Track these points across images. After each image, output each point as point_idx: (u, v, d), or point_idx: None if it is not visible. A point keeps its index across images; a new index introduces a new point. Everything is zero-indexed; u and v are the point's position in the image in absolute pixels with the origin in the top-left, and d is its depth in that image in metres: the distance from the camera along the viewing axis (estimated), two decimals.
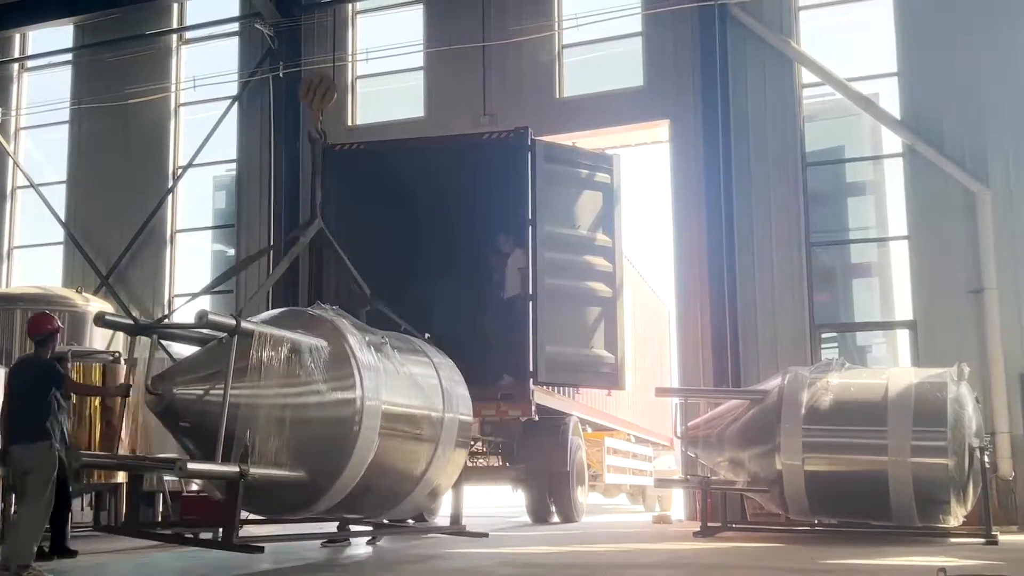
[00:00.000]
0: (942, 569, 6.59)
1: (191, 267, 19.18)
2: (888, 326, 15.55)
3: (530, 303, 12.65)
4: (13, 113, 20.24)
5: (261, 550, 7.74)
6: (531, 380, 12.47)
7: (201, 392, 7.55)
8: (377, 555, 9.89)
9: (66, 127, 19.79)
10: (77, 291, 15.69)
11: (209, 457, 7.38)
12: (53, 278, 18.84)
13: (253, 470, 7.37)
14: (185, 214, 19.07)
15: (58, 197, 19.54)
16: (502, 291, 13.58)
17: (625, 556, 9.50)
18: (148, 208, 18.48)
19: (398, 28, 17.96)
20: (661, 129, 16.38)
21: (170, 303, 18.49)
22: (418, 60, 17.55)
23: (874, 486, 10.49)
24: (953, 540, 10.68)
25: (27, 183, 19.81)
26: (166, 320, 9.68)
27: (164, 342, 9.06)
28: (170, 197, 18.71)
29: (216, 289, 17.36)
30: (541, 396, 12.87)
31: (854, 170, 16.18)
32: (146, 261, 18.60)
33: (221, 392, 7.36)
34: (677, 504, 18.31)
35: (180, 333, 8.58)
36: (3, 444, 8.12)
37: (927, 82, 14.78)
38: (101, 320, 8.02)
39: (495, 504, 20.84)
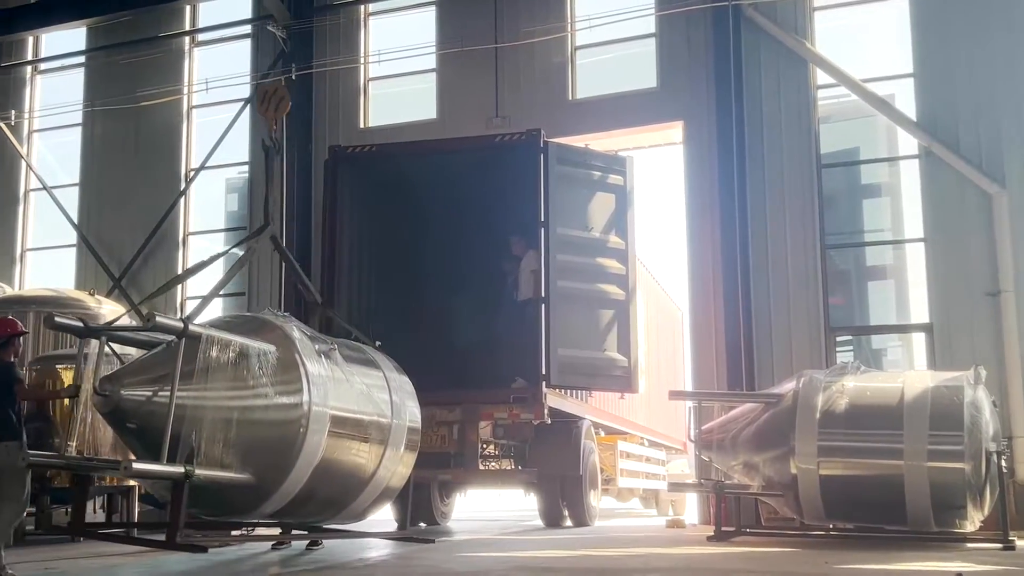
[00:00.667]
0: (959, 574, 6.51)
1: (213, 270, 19.17)
2: (904, 329, 15.42)
3: (542, 306, 12.61)
4: (26, 116, 20.30)
5: (204, 550, 7.86)
6: (543, 383, 12.42)
7: (149, 394, 7.68)
8: (385, 562, 9.84)
9: (79, 130, 19.83)
10: (90, 293, 15.70)
11: (155, 458, 7.49)
12: (66, 280, 18.86)
13: (198, 471, 7.52)
14: (197, 216, 19.07)
15: (71, 200, 19.58)
16: (514, 293, 13.56)
17: (639, 560, 9.43)
18: (160, 210, 18.50)
19: (410, 30, 17.94)
20: (675, 131, 16.30)
21: (182, 305, 18.49)
22: (430, 62, 17.52)
23: (890, 490, 10.39)
24: (970, 545, 10.56)
25: (40, 186, 19.85)
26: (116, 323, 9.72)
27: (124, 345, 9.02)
28: (182, 199, 18.73)
29: (225, 292, 17.33)
30: (553, 399, 12.82)
31: (869, 172, 16.07)
32: (158, 263, 18.61)
33: (168, 394, 7.49)
34: (691, 508, 18.23)
35: (130, 336, 8.67)
36: None
37: (943, 83, 14.67)
38: (50, 322, 8.11)
39: (507, 508, 20.80)
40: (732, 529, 11.64)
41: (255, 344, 8.17)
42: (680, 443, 20.46)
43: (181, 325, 7.71)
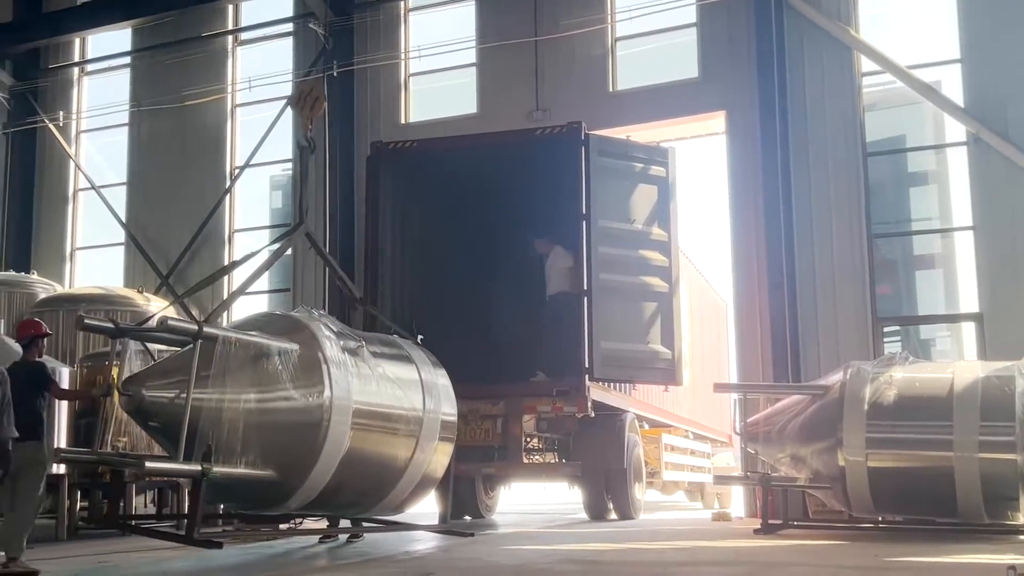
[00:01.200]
0: (1012, 567, 6.41)
1: (249, 267, 19.34)
2: (953, 319, 15.20)
3: (585, 299, 12.59)
4: (74, 117, 20.61)
5: (220, 546, 7.99)
6: (586, 376, 12.41)
7: (170, 394, 7.83)
8: (430, 555, 9.89)
9: (125, 129, 20.10)
10: (138, 291, 15.99)
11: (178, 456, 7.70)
12: (115, 278, 19.14)
13: (216, 468, 7.66)
14: (242, 214, 19.26)
15: (119, 199, 19.86)
16: (556, 287, 13.54)
17: (685, 553, 9.40)
18: (206, 208, 18.71)
19: (450, 25, 17.97)
20: (717, 121, 16.18)
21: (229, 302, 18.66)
22: (470, 56, 17.53)
23: (940, 482, 10.26)
24: (1023, 537, 10.40)
25: (88, 185, 20.17)
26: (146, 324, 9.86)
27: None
28: (227, 197, 18.92)
29: (271, 288, 18.51)
30: (597, 392, 12.80)
31: (916, 159, 15.84)
32: (205, 261, 18.81)
33: (180, 392, 7.70)
34: (737, 501, 18.13)
35: (159, 336, 8.71)
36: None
37: (991, 68, 14.41)
38: (80, 323, 8.28)
39: (551, 501, 20.81)
40: (779, 522, 11.56)
41: (276, 343, 8.28)
42: (725, 436, 20.35)
43: (195, 327, 7.90)
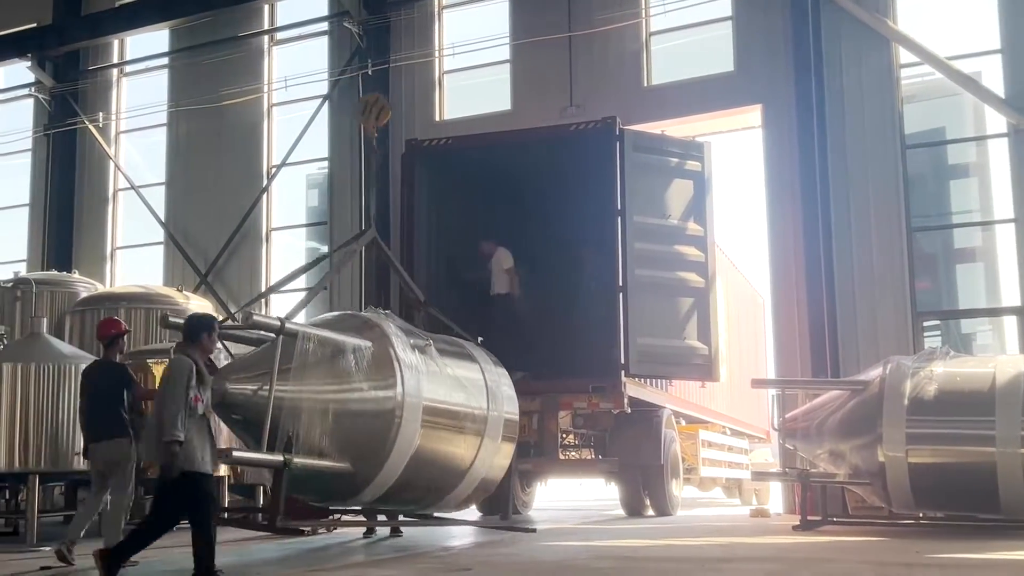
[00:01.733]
0: None
1: (286, 264, 19.50)
2: (995, 313, 15.02)
3: (620, 295, 12.56)
4: (113, 117, 20.86)
5: (302, 533, 8.49)
6: (623, 372, 12.38)
7: (252, 388, 8.10)
8: (467, 551, 9.92)
9: (164, 130, 20.31)
10: (178, 289, 16.14)
11: (260, 448, 7.96)
12: (155, 277, 19.37)
13: (297, 459, 7.96)
14: (279, 212, 19.41)
15: (158, 198, 20.07)
16: (592, 283, 13.52)
17: (724, 550, 9.35)
18: (244, 207, 18.87)
19: (484, 21, 17.99)
20: (753, 114, 16.07)
21: (267, 301, 18.83)
22: (504, 53, 17.53)
23: (982, 478, 10.12)
24: None
25: (128, 185, 20.40)
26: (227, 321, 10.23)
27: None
28: (265, 196, 19.07)
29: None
30: (633, 388, 12.77)
31: (956, 152, 15.65)
32: (243, 259, 19.00)
33: (262, 386, 8.00)
34: (775, 498, 18.01)
35: (238, 334, 9.04)
36: (84, 441, 8.89)
37: None
38: (165, 321, 8.60)
39: (588, 497, 20.78)
40: (818, 518, 11.47)
41: (351, 340, 8.56)
42: (763, 431, 20.20)
43: (278, 323, 8.17)
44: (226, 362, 8.97)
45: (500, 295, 13.42)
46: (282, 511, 8.11)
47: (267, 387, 7.97)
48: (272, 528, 8.22)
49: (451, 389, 9.46)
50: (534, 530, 10.76)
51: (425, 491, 9.57)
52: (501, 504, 11.32)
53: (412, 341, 9.17)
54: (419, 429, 8.79)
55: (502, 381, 10.37)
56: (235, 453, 8.13)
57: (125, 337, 9.18)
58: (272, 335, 8.27)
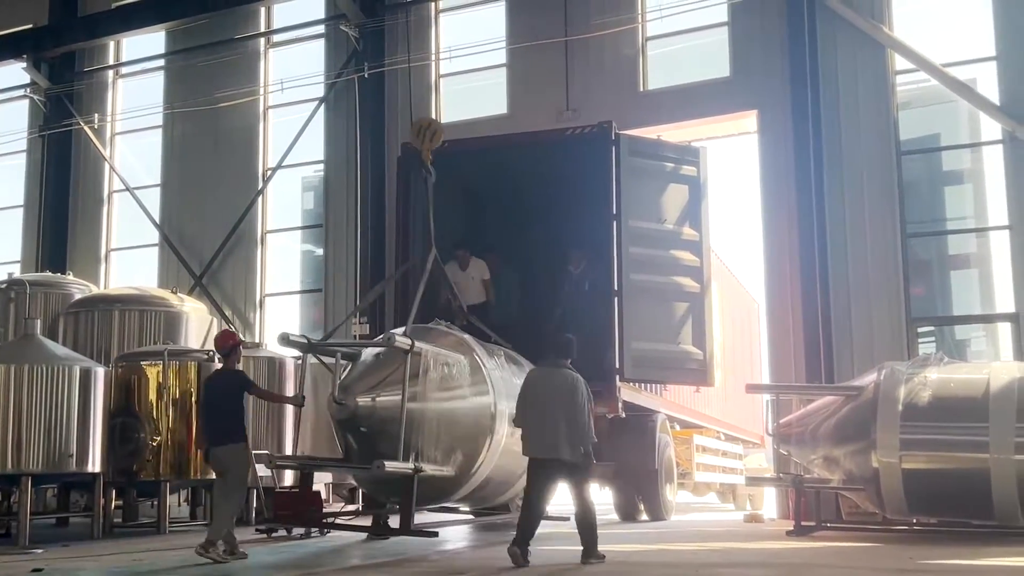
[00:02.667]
0: None
1: (281, 267, 19.50)
2: (989, 319, 15.02)
3: (616, 299, 12.56)
4: (109, 119, 20.83)
5: (436, 535, 9.21)
6: (618, 377, 12.37)
7: (376, 401, 9.00)
8: (460, 554, 9.90)
9: (159, 131, 20.29)
10: (172, 291, 16.11)
11: (366, 457, 8.91)
12: (149, 279, 19.34)
13: (426, 467, 8.83)
14: (275, 215, 19.39)
15: (153, 200, 20.04)
16: (588, 287, 13.50)
17: (718, 555, 9.35)
18: (239, 209, 18.85)
19: (481, 25, 17.99)
20: (749, 120, 16.09)
21: (262, 302, 18.82)
22: (501, 57, 17.55)
23: (975, 484, 10.15)
24: None
25: (123, 187, 20.36)
26: (330, 339, 11.44)
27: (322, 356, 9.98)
28: (260, 198, 19.05)
29: (304, 289, 18.97)
30: (628, 393, 12.76)
31: (951, 158, 15.68)
32: (238, 261, 18.97)
33: (395, 400, 8.83)
34: (769, 503, 18.00)
35: (344, 350, 9.75)
36: (205, 445, 9.51)
37: None
38: (284, 339, 9.43)
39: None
40: (812, 524, 11.48)
41: (455, 355, 9.48)
42: (757, 437, 20.20)
43: (409, 344, 8.94)
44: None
45: (474, 306, 13.19)
46: (413, 515, 8.93)
47: (385, 400, 8.89)
48: (406, 531, 9.00)
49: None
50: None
51: (492, 493, 10.34)
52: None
53: (491, 354, 10.09)
54: (505, 436, 9.56)
55: None
56: (387, 464, 8.59)
57: (240, 347, 9.74)
58: (401, 353, 8.96)
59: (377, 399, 8.96)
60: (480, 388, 9.51)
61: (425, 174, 11.49)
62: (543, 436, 8.33)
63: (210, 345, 15.32)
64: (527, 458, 8.45)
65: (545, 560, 8.65)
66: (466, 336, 10.01)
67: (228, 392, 9.20)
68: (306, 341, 9.45)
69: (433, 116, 17.63)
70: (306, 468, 10.00)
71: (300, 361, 10.05)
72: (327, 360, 9.59)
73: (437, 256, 11.54)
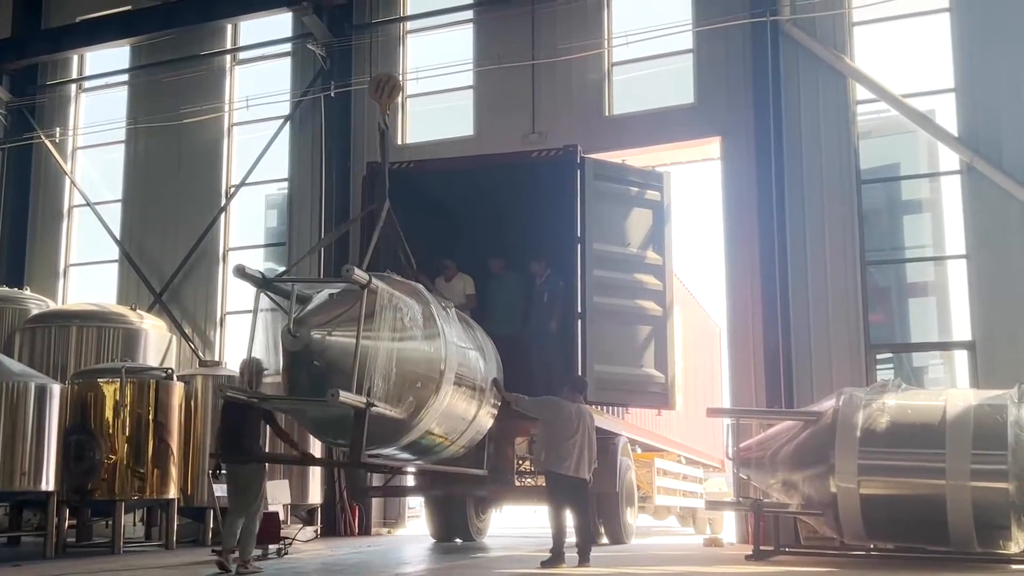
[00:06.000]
0: None
1: (243, 285, 19.28)
2: (946, 347, 15.21)
3: (579, 321, 12.57)
4: (71, 133, 20.63)
5: (387, 469, 9.59)
6: (581, 399, 12.36)
7: (334, 337, 8.73)
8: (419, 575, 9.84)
9: (122, 147, 20.12)
10: (131, 308, 15.96)
11: (317, 393, 8.50)
12: (108, 295, 19.12)
13: (376, 405, 8.55)
14: (237, 232, 19.26)
15: (113, 216, 19.84)
16: (551, 309, 13.50)
17: None
18: (201, 226, 18.71)
19: (448, 47, 18.04)
20: (712, 146, 16.25)
21: (222, 320, 18.66)
22: (468, 79, 17.59)
23: (932, 510, 10.24)
24: (1014, 567, 10.39)
25: (83, 202, 20.15)
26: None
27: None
28: (223, 215, 18.93)
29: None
30: None
31: (910, 187, 15.91)
32: (199, 278, 18.81)
33: (350, 336, 8.53)
34: (728, 527, 18.06)
35: (300, 285, 9.51)
36: (218, 464, 9.88)
37: (985, 98, 14.51)
38: (240, 272, 9.14)
39: (542, 524, 20.70)
40: (770, 548, 11.53)
41: (409, 300, 9.26)
42: (718, 461, 20.30)
43: (366, 279, 8.66)
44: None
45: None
46: (363, 448, 8.67)
47: (339, 336, 8.63)
48: (358, 464, 8.98)
49: (467, 352, 10.14)
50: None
51: (436, 445, 10.12)
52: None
53: (443, 304, 10.01)
54: (452, 384, 9.44)
55: (489, 345, 11.02)
56: (342, 393, 8.27)
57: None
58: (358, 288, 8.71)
59: (331, 334, 8.71)
60: (432, 337, 9.29)
61: (382, 127, 11.41)
62: (570, 458, 9.93)
63: (169, 363, 15.23)
64: (551, 476, 9.99)
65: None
66: (419, 286, 9.81)
67: (247, 414, 9.64)
68: (260, 276, 9.25)
69: (399, 139, 17.67)
70: (257, 401, 9.64)
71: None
72: (279, 300, 9.42)
73: (391, 210, 11.30)
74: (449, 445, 10.18)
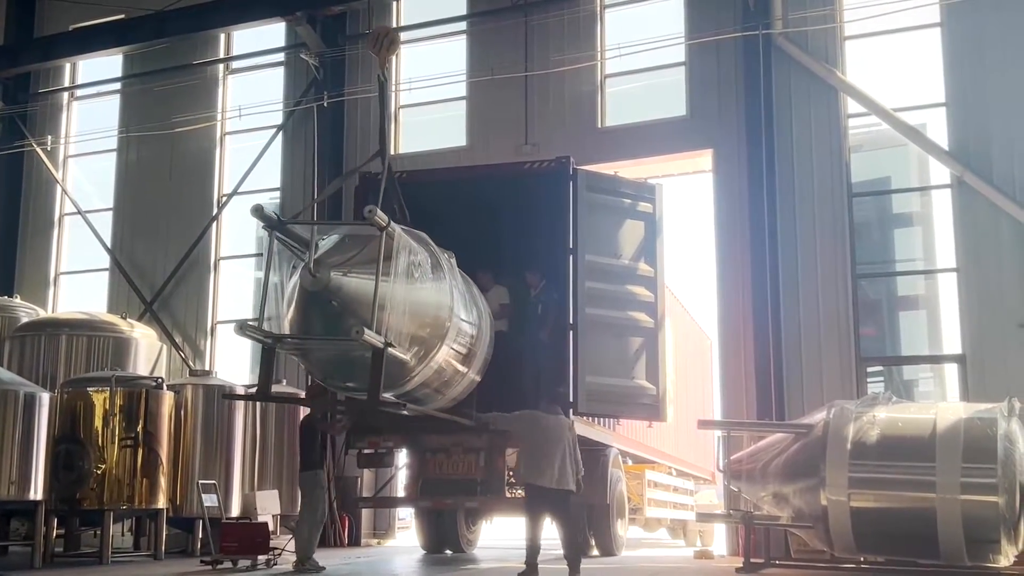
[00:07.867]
0: None
1: (234, 294, 19.32)
2: (936, 360, 15.25)
3: (570, 333, 12.56)
4: (62, 141, 20.59)
5: (403, 406, 9.65)
6: (571, 411, 12.35)
7: (347, 275, 8.69)
8: None
9: (114, 155, 20.09)
10: (122, 317, 15.90)
11: (331, 334, 8.63)
12: (98, 304, 19.05)
13: (391, 348, 8.49)
14: (229, 241, 19.23)
15: (104, 224, 19.81)
16: (543, 320, 13.49)
17: None
18: (193, 235, 18.68)
19: (441, 58, 18.07)
20: (704, 159, 16.29)
21: (213, 330, 18.62)
22: (461, 90, 17.62)
23: (922, 524, 10.25)
24: None
25: (75, 210, 20.11)
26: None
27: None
28: (214, 224, 18.90)
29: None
30: (581, 427, 12.71)
31: (901, 201, 15.98)
32: (190, 287, 18.78)
33: (369, 278, 8.52)
34: (719, 539, 18.03)
35: (316, 226, 9.52)
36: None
37: (976, 112, 14.58)
38: (257, 211, 9.10)
39: None
40: (761, 561, 11.52)
41: (417, 246, 9.34)
42: (709, 473, 20.26)
43: (385, 221, 8.69)
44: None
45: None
46: (380, 390, 8.61)
47: (357, 277, 8.60)
48: (374, 404, 8.85)
49: (468, 303, 10.31)
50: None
51: (434, 391, 10.18)
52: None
53: (446, 255, 10.11)
54: (456, 333, 9.57)
55: (481, 302, 11.18)
56: (367, 334, 8.22)
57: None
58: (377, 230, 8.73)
59: (347, 274, 8.67)
60: (440, 285, 9.50)
61: (381, 79, 11.43)
62: (551, 470, 9.74)
63: (159, 372, 15.18)
64: (530, 488, 9.89)
65: None
66: (422, 234, 9.86)
67: (309, 423, 10.67)
68: (276, 217, 9.31)
69: (391, 148, 17.64)
70: (270, 342, 9.36)
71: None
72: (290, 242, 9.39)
73: (391, 165, 11.36)
74: (440, 399, 10.36)
